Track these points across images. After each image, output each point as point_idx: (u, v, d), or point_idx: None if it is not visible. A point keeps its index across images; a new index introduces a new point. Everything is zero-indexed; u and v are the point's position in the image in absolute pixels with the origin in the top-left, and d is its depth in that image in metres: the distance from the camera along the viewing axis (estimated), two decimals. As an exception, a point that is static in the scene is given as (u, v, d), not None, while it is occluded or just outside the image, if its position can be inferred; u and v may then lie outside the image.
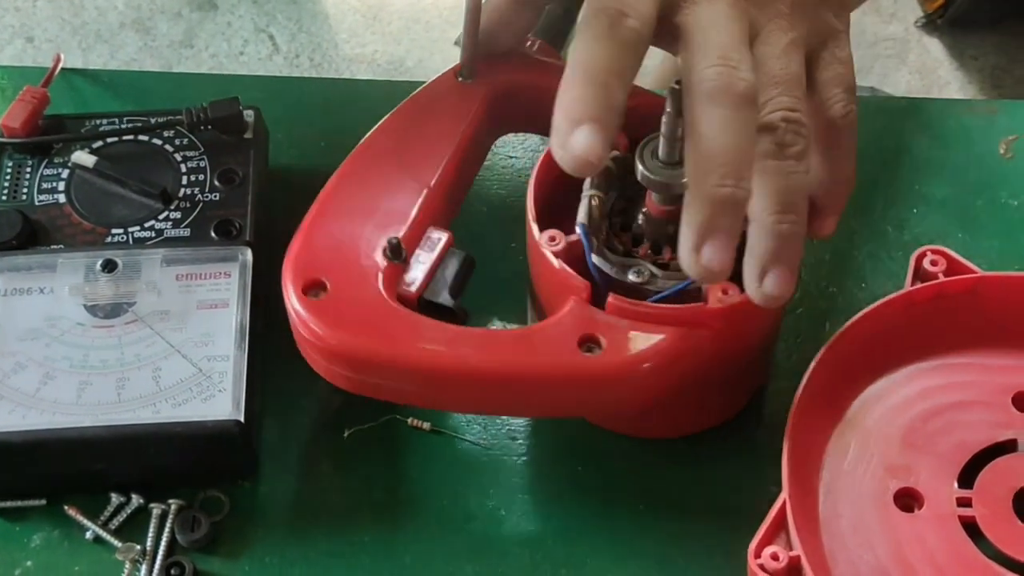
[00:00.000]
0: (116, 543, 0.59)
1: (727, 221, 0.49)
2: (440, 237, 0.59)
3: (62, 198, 0.66)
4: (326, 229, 0.59)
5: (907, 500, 0.58)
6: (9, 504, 0.61)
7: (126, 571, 0.59)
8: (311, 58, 1.78)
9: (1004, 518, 0.57)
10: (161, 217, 0.66)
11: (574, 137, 0.47)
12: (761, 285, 0.52)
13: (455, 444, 0.64)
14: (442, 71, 0.65)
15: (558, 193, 0.59)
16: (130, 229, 0.65)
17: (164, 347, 0.61)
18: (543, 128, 0.67)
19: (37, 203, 0.66)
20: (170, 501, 0.60)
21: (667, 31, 0.52)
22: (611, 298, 0.56)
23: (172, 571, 0.58)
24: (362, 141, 0.62)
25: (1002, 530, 0.57)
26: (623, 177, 0.59)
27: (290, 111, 0.75)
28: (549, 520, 0.61)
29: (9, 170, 0.67)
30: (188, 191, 0.66)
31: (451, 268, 0.59)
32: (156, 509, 0.60)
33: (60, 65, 0.74)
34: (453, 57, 0.65)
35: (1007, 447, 0.60)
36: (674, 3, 0.52)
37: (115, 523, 0.60)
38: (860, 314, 0.61)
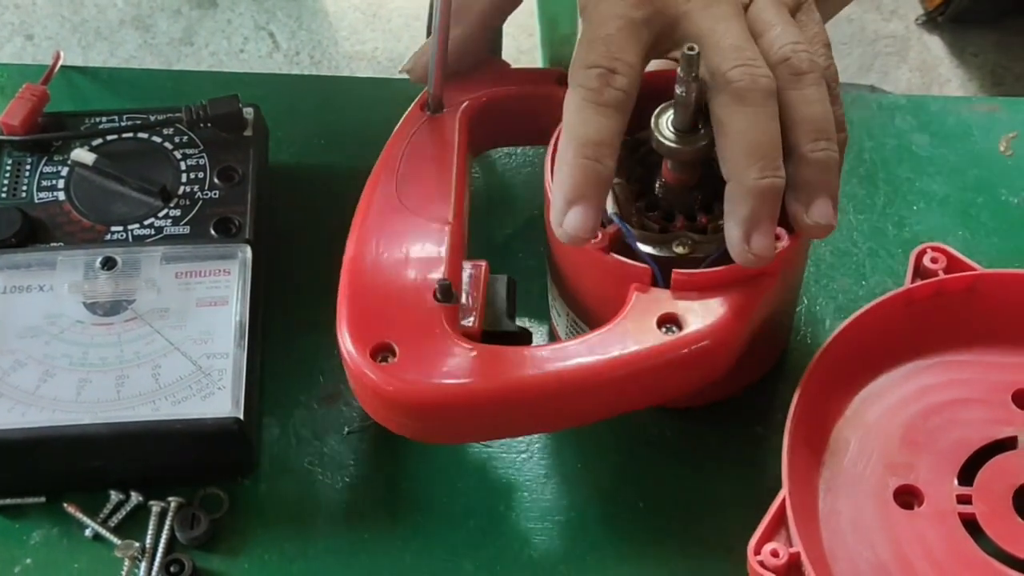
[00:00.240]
0: (115, 540, 0.59)
1: (770, 209, 0.53)
2: (479, 267, 0.59)
3: (62, 196, 0.66)
4: (368, 292, 0.57)
5: (907, 497, 0.58)
6: (9, 501, 0.61)
7: (125, 568, 0.59)
8: (311, 55, 1.78)
9: (1004, 515, 0.57)
10: (160, 215, 0.65)
11: (568, 218, 0.53)
12: (809, 214, 0.55)
13: (455, 441, 0.64)
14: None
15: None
16: (130, 227, 0.65)
17: (163, 344, 0.61)
18: (516, 140, 0.68)
19: (37, 201, 0.66)
20: (169, 499, 0.60)
21: (670, 47, 0.56)
22: (675, 274, 0.56)
23: (171, 568, 0.58)
24: (362, 199, 0.61)
25: (1002, 527, 0.57)
26: (630, 158, 0.59)
27: (290, 108, 0.75)
28: (548, 517, 0.61)
29: (8, 168, 0.67)
30: (188, 189, 0.66)
31: (500, 294, 0.59)
32: (155, 507, 0.60)
33: (60, 63, 0.74)
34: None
35: (1007, 444, 0.60)
36: (670, 20, 0.56)
37: (114, 520, 0.60)
38: (860, 311, 0.61)
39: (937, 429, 0.60)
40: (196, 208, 0.66)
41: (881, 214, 0.72)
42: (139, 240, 0.65)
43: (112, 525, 0.60)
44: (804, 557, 0.54)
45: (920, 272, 0.63)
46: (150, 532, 0.60)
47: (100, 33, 1.80)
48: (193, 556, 0.59)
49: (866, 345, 0.61)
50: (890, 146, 0.75)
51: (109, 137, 0.68)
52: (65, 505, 0.60)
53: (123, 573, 0.59)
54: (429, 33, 0.69)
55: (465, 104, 0.64)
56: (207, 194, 0.66)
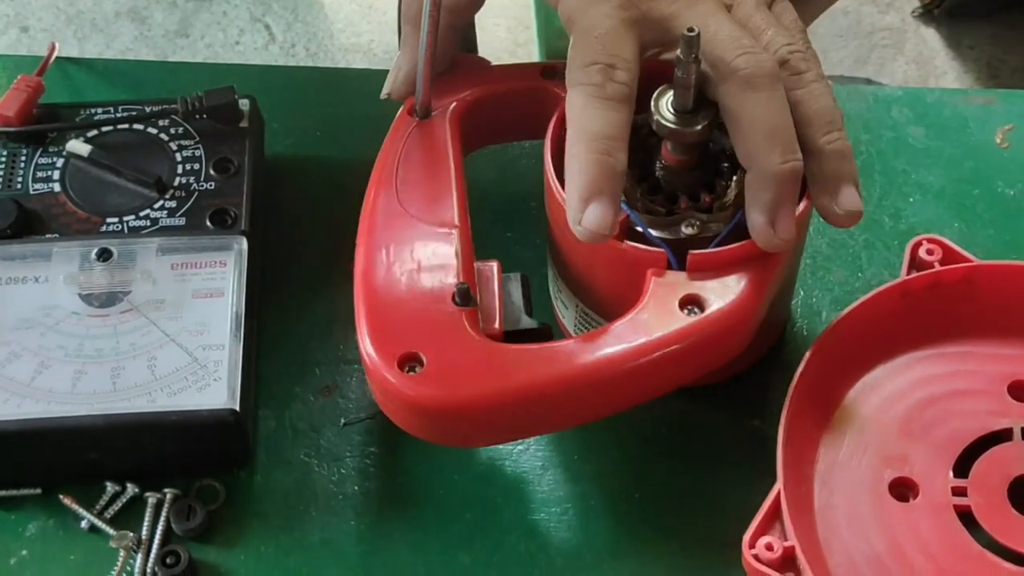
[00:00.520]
0: (111, 532, 0.59)
1: (792, 193, 0.55)
2: (491, 267, 0.59)
3: (57, 187, 0.66)
4: (386, 304, 0.57)
5: (902, 490, 0.59)
6: (4, 493, 0.61)
7: (121, 560, 0.59)
8: (307, 48, 1.78)
9: (999, 507, 0.57)
10: (156, 206, 0.65)
11: (587, 215, 0.53)
12: (839, 204, 0.56)
13: (451, 433, 0.63)
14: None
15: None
16: (125, 218, 0.65)
17: (159, 336, 0.61)
18: (507, 136, 0.68)
19: (32, 192, 0.66)
20: (165, 490, 0.60)
21: (658, 47, 0.58)
22: (691, 255, 0.56)
23: (167, 560, 0.58)
24: (364, 210, 0.60)
25: (997, 519, 0.57)
26: (630, 143, 0.59)
27: (286, 100, 0.75)
28: (545, 510, 0.61)
29: (3, 159, 0.67)
30: (183, 180, 0.66)
31: (515, 292, 0.59)
32: (151, 498, 0.60)
33: (55, 54, 0.74)
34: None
35: (1002, 436, 0.60)
36: (657, 21, 0.57)
37: (110, 512, 0.60)
38: (856, 303, 0.61)
39: (933, 421, 0.60)
40: (192, 199, 0.66)
41: (877, 206, 0.72)
42: (135, 231, 0.64)
43: (108, 517, 0.60)
44: (799, 550, 0.54)
45: (916, 264, 0.64)
46: (146, 524, 0.60)
47: (96, 25, 1.80)
48: (189, 548, 0.59)
49: (862, 337, 0.61)
50: (886, 138, 0.75)
51: (104, 128, 0.68)
52: (61, 497, 0.60)
53: (119, 564, 0.59)
54: (400, 34, 0.69)
55: (453, 106, 0.64)
56: (203, 185, 0.66)
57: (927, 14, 1.79)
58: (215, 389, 0.59)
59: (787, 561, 0.54)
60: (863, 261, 0.70)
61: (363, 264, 0.58)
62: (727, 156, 0.59)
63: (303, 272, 0.69)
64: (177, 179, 0.66)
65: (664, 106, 0.57)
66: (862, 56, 1.76)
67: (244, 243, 0.64)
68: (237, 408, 0.59)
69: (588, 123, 0.54)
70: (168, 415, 0.59)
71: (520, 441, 0.63)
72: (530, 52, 1.66)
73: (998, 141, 0.75)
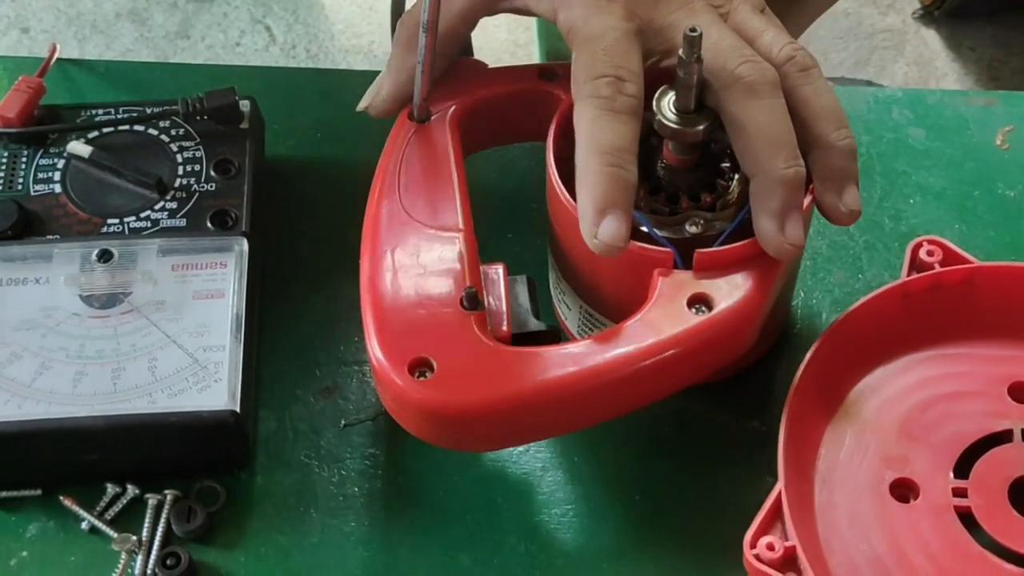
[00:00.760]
0: (112, 533, 0.59)
1: (798, 198, 0.55)
2: (497, 270, 0.59)
3: (58, 188, 0.66)
4: (394, 310, 0.56)
5: (903, 490, 0.59)
6: (4, 494, 0.61)
7: (122, 562, 0.59)
8: (307, 49, 1.78)
9: (999, 508, 0.57)
10: (157, 207, 0.65)
11: (602, 228, 0.53)
12: (844, 203, 0.57)
13: (451, 434, 0.63)
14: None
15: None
16: (126, 219, 0.65)
17: (160, 337, 0.61)
18: (506, 139, 0.68)
19: (33, 193, 0.66)
20: (166, 492, 0.60)
21: (658, 57, 0.58)
22: (698, 254, 0.56)
23: (168, 561, 0.58)
24: (367, 216, 0.60)
25: (997, 520, 0.57)
26: None
27: (286, 102, 0.75)
28: (545, 511, 0.61)
29: (4, 160, 0.67)
30: (184, 181, 0.66)
31: (522, 295, 0.59)
32: (152, 499, 0.60)
33: (56, 55, 0.74)
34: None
35: (1003, 437, 0.60)
36: (656, 31, 0.57)
37: (111, 513, 0.60)
38: (856, 304, 0.61)
39: (933, 422, 0.60)
40: (192, 201, 0.66)
41: (878, 207, 0.72)
42: (135, 233, 0.64)
43: (108, 518, 0.60)
44: (800, 550, 0.54)
45: (916, 265, 0.64)
46: (146, 525, 0.60)
47: (96, 26, 1.80)
48: (189, 549, 0.59)
49: (862, 338, 0.61)
50: (887, 140, 0.75)
51: (105, 130, 0.68)
52: (61, 498, 0.60)
53: (120, 566, 0.59)
54: (395, 13, 0.69)
55: (452, 109, 0.64)
56: (203, 187, 0.66)
57: (928, 15, 1.79)
58: (215, 390, 0.59)
59: (788, 561, 0.54)
60: (863, 262, 0.70)
61: (369, 270, 0.58)
62: (728, 155, 0.59)
63: (304, 273, 0.69)
64: (178, 180, 0.66)
65: (666, 106, 0.57)
66: (863, 58, 1.76)
67: (245, 244, 0.64)
68: (237, 409, 0.59)
69: (599, 136, 0.54)
70: (168, 416, 0.59)
71: (520, 442, 0.63)
72: (530, 53, 1.67)
73: (999, 143, 0.75)
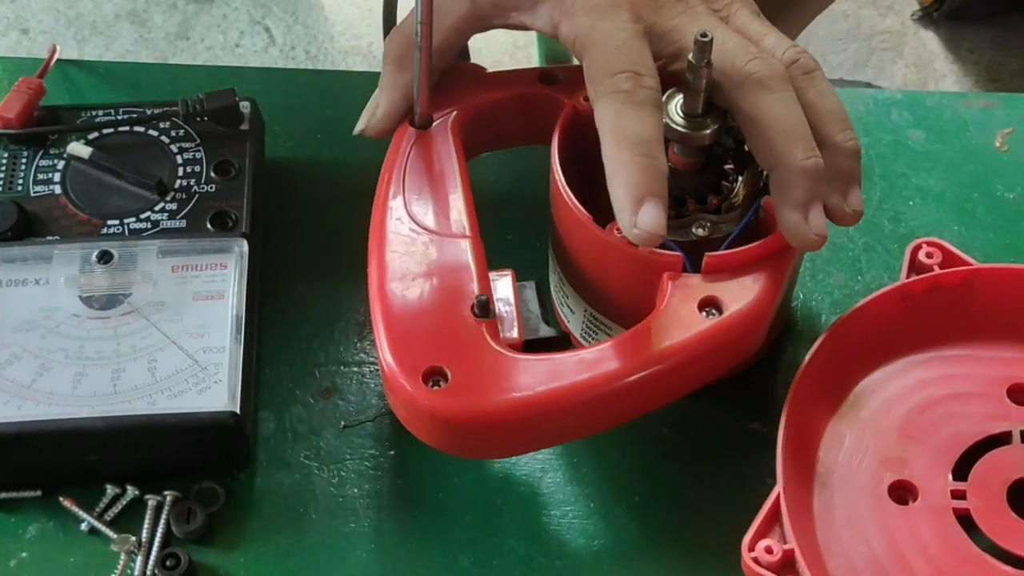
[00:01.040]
0: (111, 534, 0.59)
1: (819, 188, 0.56)
2: (505, 277, 0.59)
3: (58, 189, 0.66)
4: (405, 319, 0.56)
5: (902, 492, 0.59)
6: (4, 495, 0.61)
7: (121, 563, 0.59)
8: (307, 50, 1.78)
9: (998, 510, 0.57)
10: (157, 208, 0.65)
11: (641, 217, 0.53)
12: (848, 203, 0.57)
13: (451, 436, 0.64)
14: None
15: (581, 182, 0.60)
16: (126, 220, 0.65)
17: (160, 338, 0.61)
18: (507, 143, 0.68)
19: (33, 194, 0.66)
20: (165, 493, 0.60)
21: (663, 59, 0.58)
22: (708, 257, 0.56)
23: (167, 563, 0.58)
24: (373, 224, 0.60)
25: (996, 522, 0.57)
26: None
27: (286, 103, 0.75)
28: (544, 512, 0.61)
29: (4, 161, 0.67)
30: (184, 182, 0.66)
31: (532, 301, 0.59)
32: (151, 501, 0.60)
33: (56, 56, 0.74)
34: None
35: (1002, 439, 0.60)
36: (661, 33, 0.58)
37: (110, 514, 0.60)
38: (856, 306, 0.61)
39: (932, 424, 0.60)
40: (192, 202, 0.66)
41: (877, 209, 0.72)
42: (135, 234, 0.64)
43: (108, 519, 0.60)
44: (798, 554, 0.54)
45: (916, 267, 0.64)
46: (146, 526, 0.60)
47: (95, 27, 1.80)
48: (189, 550, 0.59)
49: (861, 340, 0.61)
50: (886, 141, 0.75)
51: (105, 131, 0.68)
52: (61, 499, 0.60)
53: (119, 567, 0.59)
54: (386, 26, 0.68)
55: (454, 115, 0.64)
56: (203, 188, 0.66)
57: (927, 17, 1.79)
58: (215, 391, 0.59)
59: (786, 564, 0.54)
60: (863, 264, 0.70)
61: (377, 279, 0.58)
62: (731, 157, 0.59)
63: (304, 275, 0.69)
64: (178, 181, 0.66)
65: (674, 110, 0.57)
66: (862, 59, 1.76)
67: (245, 245, 0.64)
68: (237, 410, 0.59)
69: (625, 129, 0.55)
70: (168, 417, 0.59)
71: (520, 444, 0.63)
72: (530, 55, 1.67)
73: (998, 144, 0.75)
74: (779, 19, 0.63)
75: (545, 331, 0.58)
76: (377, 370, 0.65)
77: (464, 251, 0.58)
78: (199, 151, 0.68)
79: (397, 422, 0.61)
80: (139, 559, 0.59)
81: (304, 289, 0.68)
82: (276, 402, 0.64)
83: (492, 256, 0.59)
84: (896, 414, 0.61)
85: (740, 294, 0.56)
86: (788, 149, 0.55)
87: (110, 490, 0.61)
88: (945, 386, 0.62)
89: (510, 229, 0.69)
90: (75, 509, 0.60)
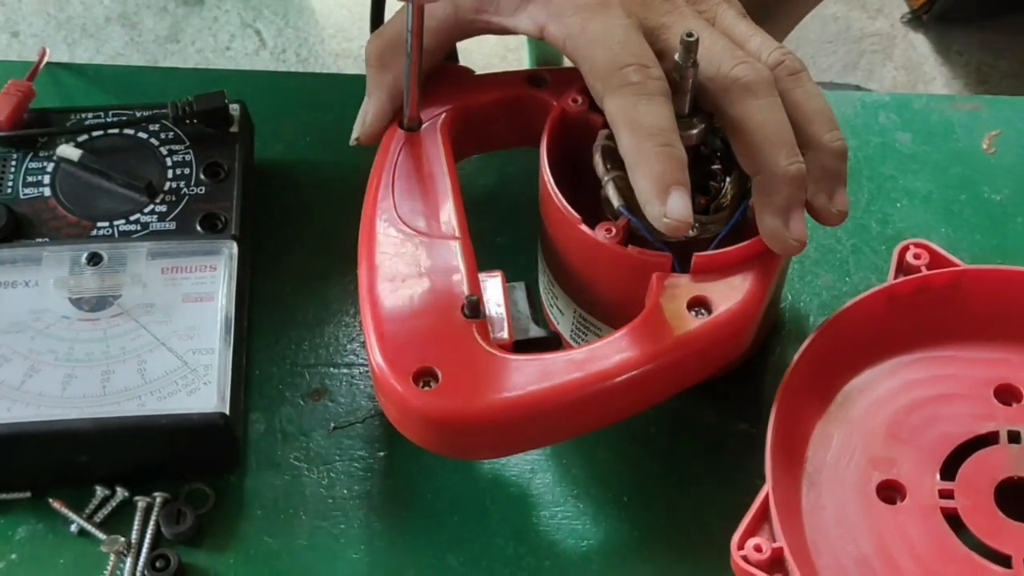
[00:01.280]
0: (101, 536, 0.59)
1: (801, 194, 0.56)
2: (495, 277, 0.59)
3: (47, 191, 0.66)
4: (395, 320, 0.56)
5: (890, 492, 0.59)
6: (-6, 497, 0.61)
7: (111, 564, 0.59)
8: (298, 53, 1.78)
9: (986, 510, 0.58)
10: (146, 210, 0.66)
11: (670, 206, 0.53)
12: (834, 203, 0.57)
13: (440, 437, 0.64)
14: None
15: (569, 184, 0.60)
16: (115, 222, 0.65)
17: (149, 340, 0.61)
18: (496, 145, 0.68)
19: (22, 196, 0.66)
20: (155, 494, 0.60)
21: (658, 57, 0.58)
22: (696, 257, 0.57)
23: (157, 564, 0.58)
24: (363, 225, 0.60)
25: (984, 522, 0.57)
26: None
27: (276, 106, 0.75)
28: (533, 512, 0.62)
29: (-6, 163, 0.67)
30: (173, 185, 0.66)
31: (521, 302, 0.59)
32: (141, 502, 0.60)
33: (46, 59, 0.74)
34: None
35: (989, 439, 0.60)
36: (650, 31, 0.58)
37: (100, 516, 0.60)
38: (843, 307, 0.62)
39: (920, 424, 0.61)
40: (182, 204, 0.66)
41: (865, 211, 0.72)
42: (125, 236, 0.65)
43: (98, 520, 0.60)
44: (787, 552, 0.54)
45: (903, 268, 0.64)
46: (136, 527, 0.60)
47: (86, 30, 1.80)
48: (179, 551, 0.59)
49: (849, 341, 0.62)
50: (874, 144, 0.75)
51: (95, 133, 0.68)
52: (50, 500, 0.60)
53: (109, 568, 0.59)
54: (373, 28, 0.68)
55: (443, 116, 0.64)
56: (193, 190, 0.66)
57: (916, 20, 1.80)
58: (205, 393, 0.59)
59: (775, 562, 0.54)
60: (850, 266, 0.70)
61: (367, 281, 0.58)
62: (718, 158, 0.59)
63: (293, 276, 0.69)
64: (167, 184, 0.67)
65: None
66: (851, 62, 1.76)
67: (234, 247, 0.64)
68: (227, 412, 0.59)
69: (641, 121, 0.55)
70: (158, 419, 0.59)
71: (509, 445, 0.63)
72: (520, 57, 1.67)
73: (985, 147, 0.75)
74: (766, 20, 0.63)
75: (535, 331, 0.58)
76: (367, 372, 0.65)
77: (454, 252, 0.58)
78: (188, 153, 0.68)
79: (387, 423, 0.61)
80: (129, 560, 0.59)
81: (293, 291, 0.68)
82: (266, 403, 0.64)
83: (481, 258, 0.59)
84: (884, 414, 0.61)
85: (729, 294, 0.56)
86: (771, 155, 0.55)
87: (100, 491, 0.61)
88: (933, 386, 0.62)
89: (499, 231, 0.69)
90: (65, 510, 0.60)
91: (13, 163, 0.67)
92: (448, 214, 0.60)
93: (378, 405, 0.63)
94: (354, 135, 0.65)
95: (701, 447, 0.63)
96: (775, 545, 0.54)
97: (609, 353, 0.55)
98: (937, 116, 0.76)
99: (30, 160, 0.67)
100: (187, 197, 0.66)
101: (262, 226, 0.70)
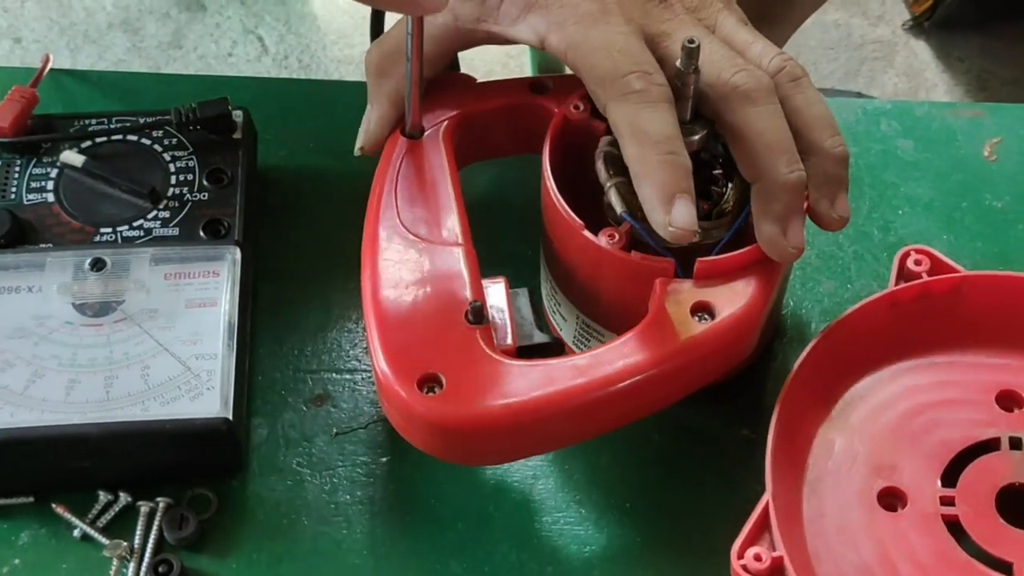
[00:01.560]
0: (104, 541, 0.60)
1: (800, 202, 0.56)
2: (498, 283, 0.59)
3: (51, 197, 0.66)
4: (399, 326, 0.56)
5: (891, 499, 0.59)
6: (-3, 502, 0.61)
7: (114, 569, 0.59)
8: (300, 59, 1.79)
9: (987, 517, 0.58)
10: (150, 216, 0.66)
11: (674, 215, 0.53)
12: (835, 208, 0.58)
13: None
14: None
15: (572, 190, 0.60)
16: (119, 228, 0.65)
17: (152, 345, 0.61)
18: (498, 152, 0.68)
19: (26, 202, 0.66)
20: (158, 499, 0.60)
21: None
22: (699, 262, 0.57)
23: (160, 569, 0.59)
24: (366, 232, 0.60)
25: (985, 529, 0.57)
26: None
27: (279, 112, 0.76)
28: (535, 518, 0.62)
29: (-2, 169, 0.67)
30: (177, 190, 0.67)
31: (524, 307, 0.59)
32: (144, 507, 0.60)
33: (49, 65, 0.74)
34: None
35: (990, 446, 0.60)
36: (650, 38, 0.58)
37: (103, 521, 0.60)
38: (845, 314, 0.62)
39: (921, 431, 0.61)
40: (185, 210, 0.66)
41: (866, 218, 0.72)
42: (128, 241, 0.65)
43: (100, 525, 0.60)
44: (787, 561, 0.54)
45: (904, 275, 0.64)
46: (138, 532, 0.60)
47: (88, 36, 1.80)
48: (181, 556, 0.59)
49: (851, 347, 0.62)
50: (875, 151, 0.75)
51: (98, 139, 0.68)
52: (53, 505, 0.60)
53: (111, 573, 0.59)
54: (373, 38, 0.69)
55: (445, 124, 0.64)
56: (196, 196, 0.67)
57: (917, 26, 1.80)
58: (208, 398, 0.60)
59: (775, 571, 0.54)
60: (852, 272, 0.70)
61: (371, 287, 0.58)
62: (720, 163, 0.60)
63: (296, 282, 0.69)
64: (170, 190, 0.67)
65: None
66: (852, 69, 1.77)
67: (237, 253, 0.64)
68: (230, 417, 0.59)
69: (645, 128, 0.55)
70: (161, 424, 0.59)
71: (511, 451, 0.63)
72: (522, 64, 1.67)
73: (986, 154, 0.75)
74: (765, 26, 0.63)
75: (539, 337, 0.58)
76: (369, 377, 0.66)
77: (457, 259, 0.59)
78: (192, 159, 0.68)
79: (389, 429, 0.61)
80: (131, 565, 0.59)
81: (296, 297, 0.69)
82: (268, 409, 0.65)
83: (484, 264, 0.59)
84: (885, 421, 0.61)
85: (732, 299, 0.57)
86: (771, 162, 0.55)
87: (103, 496, 0.61)
88: (934, 393, 0.62)
89: (502, 238, 0.69)
90: (68, 515, 0.60)
91: (17, 169, 0.67)
92: (451, 221, 0.60)
93: (380, 411, 0.64)
94: (358, 145, 0.65)
95: (703, 453, 0.64)
96: (775, 554, 0.54)
97: (613, 358, 0.55)
98: (939, 123, 0.77)
99: (34, 166, 0.67)
100: (190, 203, 0.66)
101: (265, 232, 0.70)
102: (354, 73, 1.73)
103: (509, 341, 0.57)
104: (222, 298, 0.63)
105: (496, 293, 0.58)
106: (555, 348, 0.58)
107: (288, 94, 0.79)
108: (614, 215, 0.58)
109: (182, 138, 0.69)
